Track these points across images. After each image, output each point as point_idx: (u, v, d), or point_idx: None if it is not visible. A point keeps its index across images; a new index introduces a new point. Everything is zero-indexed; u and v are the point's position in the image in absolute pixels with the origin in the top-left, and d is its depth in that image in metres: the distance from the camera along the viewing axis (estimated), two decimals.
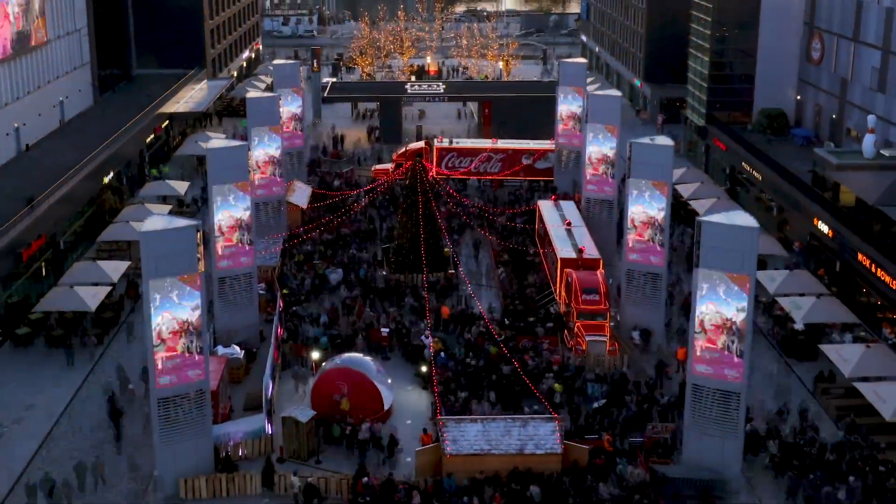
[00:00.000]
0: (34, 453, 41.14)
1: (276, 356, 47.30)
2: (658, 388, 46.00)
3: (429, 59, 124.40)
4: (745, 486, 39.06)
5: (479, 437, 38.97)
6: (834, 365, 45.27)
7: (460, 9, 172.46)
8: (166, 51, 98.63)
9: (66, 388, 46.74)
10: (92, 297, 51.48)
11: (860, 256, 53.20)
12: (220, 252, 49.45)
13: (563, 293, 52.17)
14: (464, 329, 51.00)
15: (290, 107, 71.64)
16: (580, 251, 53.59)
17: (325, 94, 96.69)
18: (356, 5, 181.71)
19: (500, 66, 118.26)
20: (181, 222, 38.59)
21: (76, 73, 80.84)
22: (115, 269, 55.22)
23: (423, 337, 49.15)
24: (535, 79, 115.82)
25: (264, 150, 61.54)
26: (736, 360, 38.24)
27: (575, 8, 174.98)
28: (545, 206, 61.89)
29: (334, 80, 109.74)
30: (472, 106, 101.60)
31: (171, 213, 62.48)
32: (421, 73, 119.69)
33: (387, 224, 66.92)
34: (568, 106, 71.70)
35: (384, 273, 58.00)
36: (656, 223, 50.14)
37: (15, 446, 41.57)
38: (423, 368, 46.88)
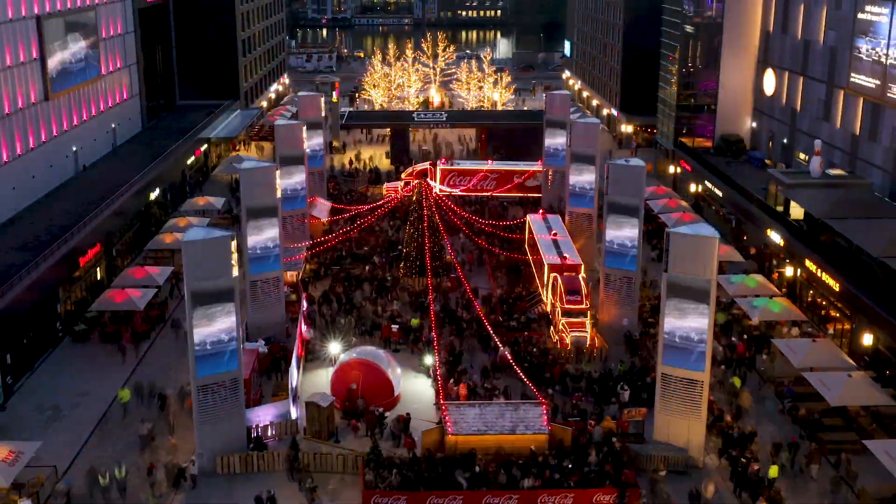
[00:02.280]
0: (90, 433, 41.36)
1: (300, 350, 47.41)
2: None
3: (433, 91, 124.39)
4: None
5: (476, 419, 39.03)
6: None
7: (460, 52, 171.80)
8: (205, 84, 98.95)
9: (117, 377, 46.88)
10: (140, 298, 51.72)
11: (807, 262, 53.33)
12: None
13: (550, 294, 52.32)
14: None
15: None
16: (564, 258, 53.76)
17: (343, 122, 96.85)
18: (370, 44, 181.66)
19: (497, 97, 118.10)
20: (218, 233, 38.75)
21: (127, 103, 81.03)
22: (160, 273, 55.47)
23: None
24: (525, 108, 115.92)
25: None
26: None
27: (560, 47, 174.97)
28: (534, 219, 62.02)
29: (351, 109, 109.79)
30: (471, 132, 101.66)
31: (209, 224, 62.66)
32: (426, 103, 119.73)
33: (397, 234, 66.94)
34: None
35: (393, 277, 58.06)
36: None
37: (74, 427, 41.78)
38: (428, 360, 47.04)
